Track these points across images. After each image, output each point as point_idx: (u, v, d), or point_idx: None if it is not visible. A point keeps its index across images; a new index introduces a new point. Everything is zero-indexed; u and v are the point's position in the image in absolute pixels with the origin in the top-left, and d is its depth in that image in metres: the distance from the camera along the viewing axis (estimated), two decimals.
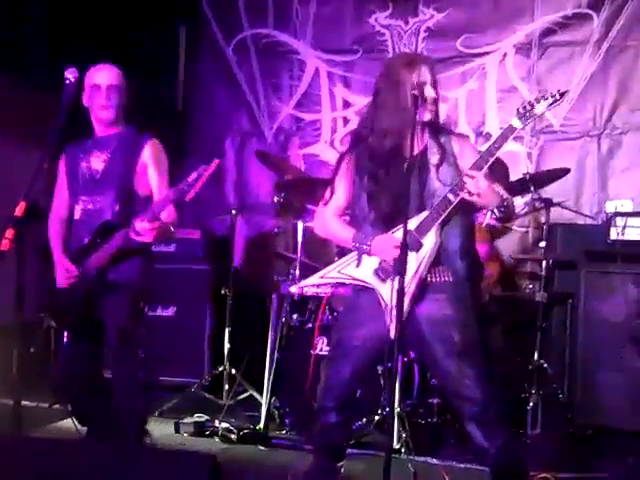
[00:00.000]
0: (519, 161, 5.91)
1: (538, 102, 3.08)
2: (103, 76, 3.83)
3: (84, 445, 2.79)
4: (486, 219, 4.69)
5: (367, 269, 3.23)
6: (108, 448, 2.72)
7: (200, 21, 6.73)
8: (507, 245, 5.76)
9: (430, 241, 3.12)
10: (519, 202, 5.49)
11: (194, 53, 6.81)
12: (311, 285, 4.06)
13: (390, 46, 6.31)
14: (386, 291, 3.10)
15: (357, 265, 3.26)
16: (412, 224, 3.09)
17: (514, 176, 5.07)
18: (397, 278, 2.90)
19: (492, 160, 3.05)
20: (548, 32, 5.95)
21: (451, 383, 3.18)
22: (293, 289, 3.62)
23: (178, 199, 3.49)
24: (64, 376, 3.83)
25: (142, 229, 3.53)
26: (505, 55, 6.06)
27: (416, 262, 3.10)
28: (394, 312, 2.94)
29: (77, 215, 3.82)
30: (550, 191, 5.17)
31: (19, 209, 2.82)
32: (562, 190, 5.51)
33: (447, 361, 3.13)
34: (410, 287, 3.06)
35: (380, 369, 4.26)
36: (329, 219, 3.35)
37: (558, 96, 3.05)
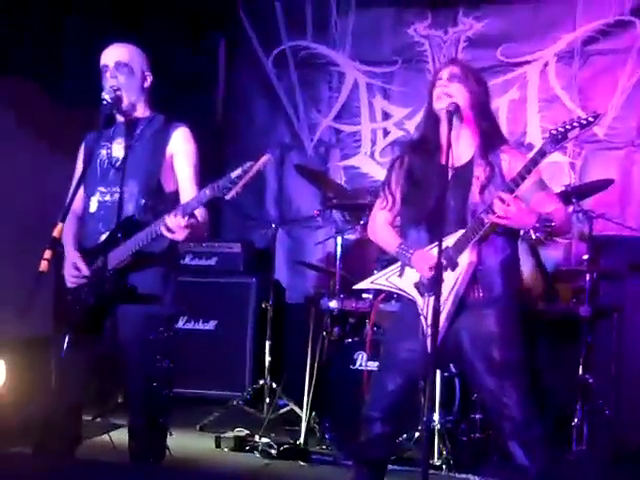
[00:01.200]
0: (562, 172, 5.82)
1: (572, 126, 3.01)
2: (110, 54, 3.32)
3: (110, 467, 2.75)
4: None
5: (409, 281, 3.24)
6: (137, 470, 2.70)
7: (239, 34, 6.76)
8: (550, 257, 5.67)
9: (465, 260, 3.10)
10: None
11: (233, 66, 6.84)
12: (363, 288, 4.00)
13: (429, 56, 6.26)
14: (424, 305, 3.12)
15: (400, 275, 3.28)
16: (449, 241, 3.08)
17: (557, 187, 5.00)
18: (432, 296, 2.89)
19: (524, 184, 3.01)
20: (590, 40, 5.86)
21: (491, 401, 3.14)
22: (359, 286, 3.50)
23: (216, 196, 2.94)
24: (54, 392, 3.17)
25: (175, 225, 2.99)
26: (546, 64, 5.98)
27: (452, 280, 3.09)
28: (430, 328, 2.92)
29: (92, 208, 3.27)
30: (594, 202, 5.09)
31: (57, 231, 2.83)
32: (606, 201, 5.41)
33: (487, 379, 3.09)
34: (446, 305, 3.04)
35: (421, 384, 4.22)
36: (379, 225, 3.39)
37: (591, 119, 2.99)
